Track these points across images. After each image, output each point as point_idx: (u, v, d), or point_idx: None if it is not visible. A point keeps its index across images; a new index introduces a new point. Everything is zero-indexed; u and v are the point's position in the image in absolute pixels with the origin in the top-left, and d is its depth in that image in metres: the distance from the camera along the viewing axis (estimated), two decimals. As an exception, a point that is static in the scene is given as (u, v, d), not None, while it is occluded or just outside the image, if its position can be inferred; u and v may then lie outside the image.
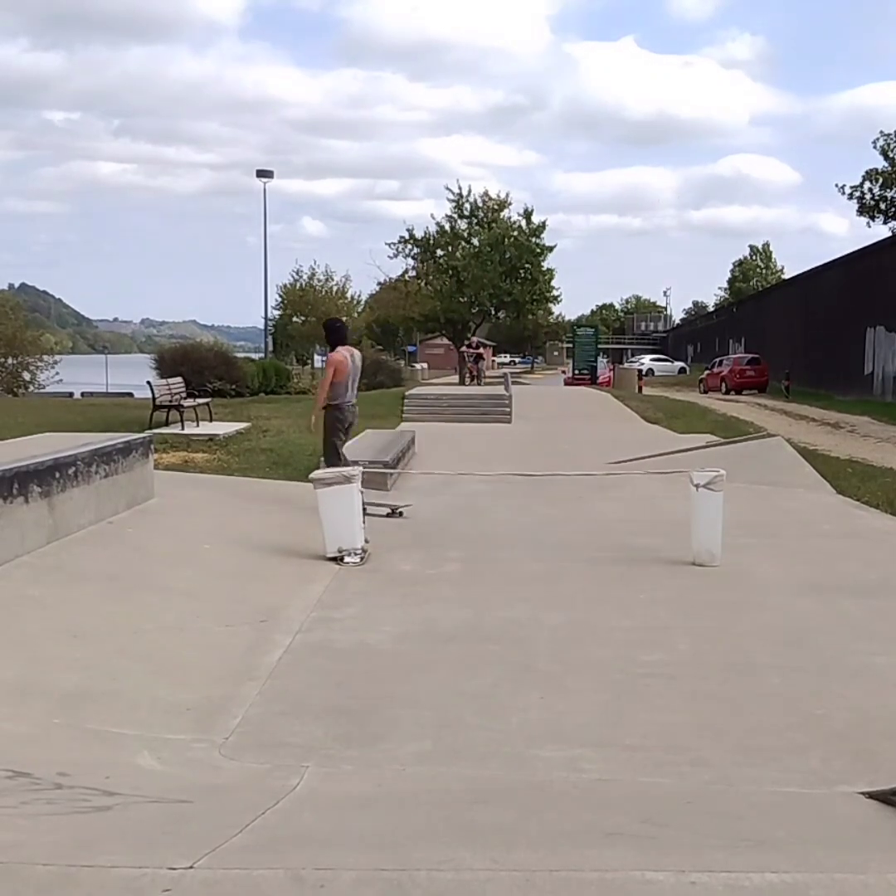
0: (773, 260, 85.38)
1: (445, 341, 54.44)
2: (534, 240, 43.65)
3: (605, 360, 58.23)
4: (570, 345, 56.63)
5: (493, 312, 46.00)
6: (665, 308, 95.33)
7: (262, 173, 44.70)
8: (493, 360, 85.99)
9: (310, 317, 42.70)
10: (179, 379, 18.56)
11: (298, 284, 43.96)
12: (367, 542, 7.83)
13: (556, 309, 57.81)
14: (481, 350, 38.71)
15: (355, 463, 8.92)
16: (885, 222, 44.24)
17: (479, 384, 33.13)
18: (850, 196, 44.71)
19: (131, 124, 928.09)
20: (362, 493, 8.13)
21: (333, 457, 9.18)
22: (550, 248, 44.20)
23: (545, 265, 44.03)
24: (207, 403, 17.84)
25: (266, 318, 45.04)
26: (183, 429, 15.69)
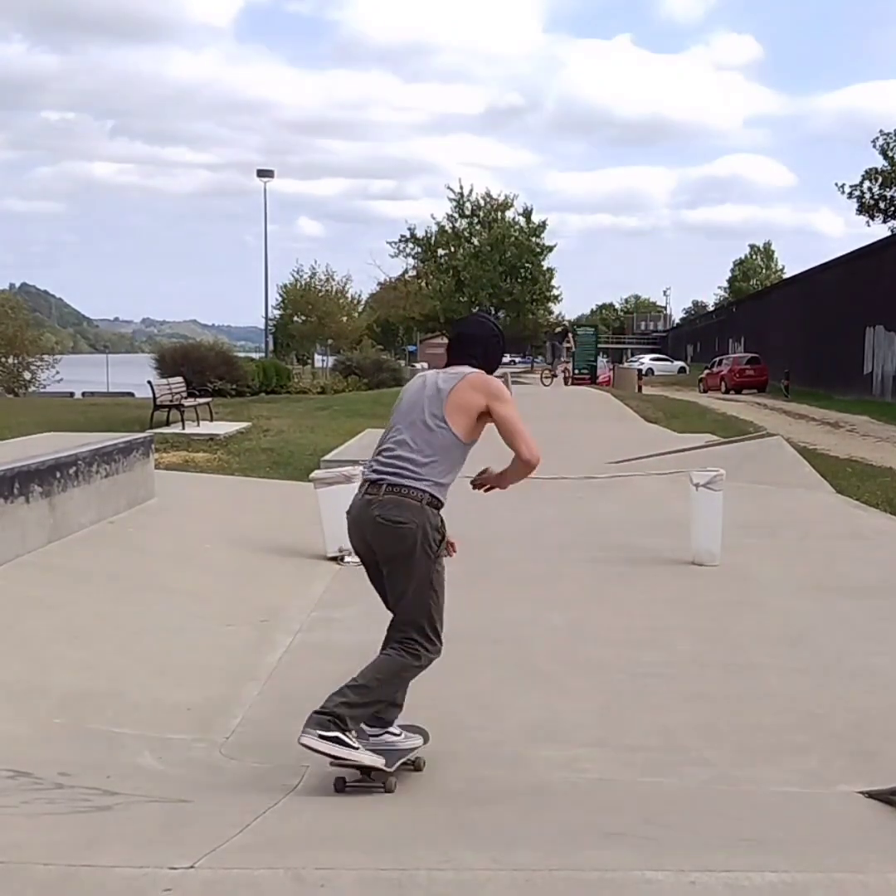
0: (774, 259, 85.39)
1: (445, 341, 54.47)
2: (534, 239, 43.69)
3: (605, 360, 58.18)
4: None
5: (493, 312, 46.03)
6: (665, 308, 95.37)
7: (263, 173, 44.69)
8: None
9: (310, 316, 42.80)
10: (180, 378, 18.60)
11: (299, 284, 44.04)
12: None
13: (555, 308, 57.86)
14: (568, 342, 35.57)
15: (355, 463, 8.92)
16: (884, 221, 44.27)
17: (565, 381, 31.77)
18: (850, 195, 44.78)
19: (128, 125, 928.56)
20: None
21: None
22: (550, 248, 44.30)
23: (545, 265, 44.08)
24: (208, 403, 17.87)
25: (267, 317, 45.06)
26: (183, 428, 15.71)
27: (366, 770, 3.62)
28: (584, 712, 4.69)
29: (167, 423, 16.15)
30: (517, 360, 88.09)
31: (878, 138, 43.71)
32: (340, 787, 3.63)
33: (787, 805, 3.71)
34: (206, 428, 16.20)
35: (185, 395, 17.40)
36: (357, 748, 3.58)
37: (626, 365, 55.48)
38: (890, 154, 43.46)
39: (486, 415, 3.83)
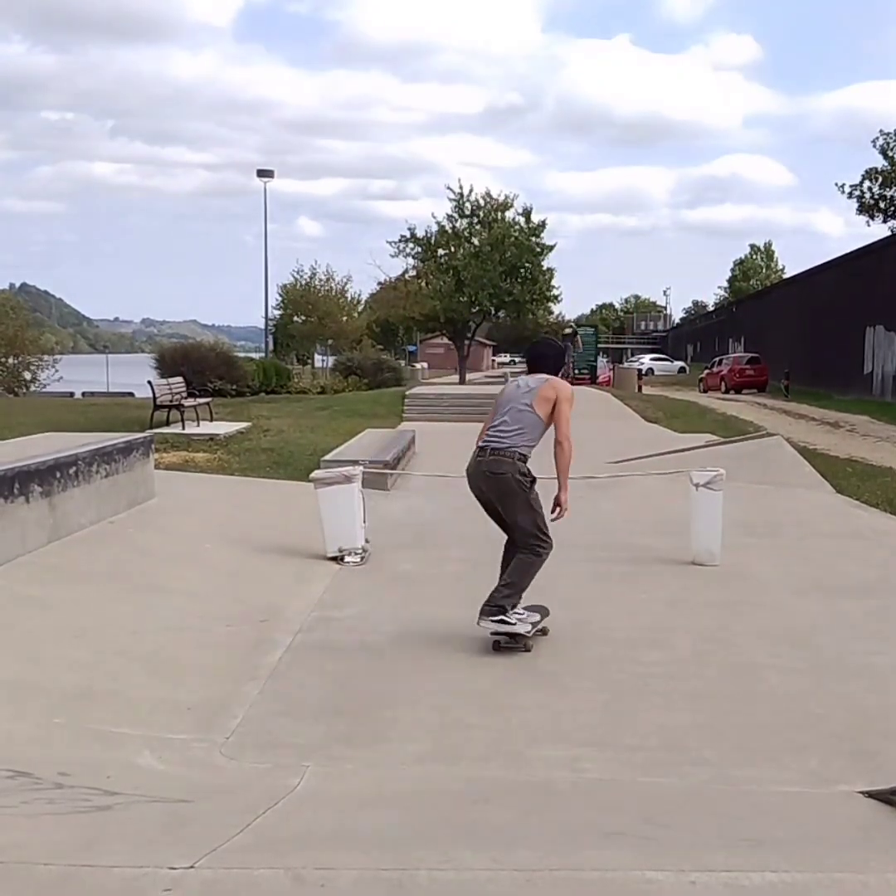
0: (775, 259, 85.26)
1: (445, 341, 54.41)
2: (534, 239, 43.61)
3: (605, 360, 58.18)
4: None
5: (493, 312, 45.96)
6: (665, 308, 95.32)
7: (263, 173, 44.60)
8: (493, 360, 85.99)
9: (311, 316, 42.78)
10: (180, 378, 18.57)
11: (299, 284, 44.01)
12: (367, 541, 7.83)
13: (555, 308, 57.81)
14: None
15: (355, 462, 8.92)
16: (884, 221, 44.25)
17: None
18: (850, 195, 44.75)
19: (127, 125, 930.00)
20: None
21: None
22: (550, 248, 44.16)
23: (545, 264, 44.01)
24: (208, 403, 17.85)
25: (266, 317, 44.99)
26: (183, 428, 15.69)
27: (513, 635, 5.47)
28: (585, 712, 4.69)
29: (167, 423, 16.13)
30: (517, 359, 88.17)
31: (877, 138, 43.71)
32: (496, 647, 5.47)
33: (787, 805, 3.71)
34: (206, 428, 16.19)
35: (185, 395, 17.38)
36: (515, 624, 5.47)
37: (626, 365, 55.48)
38: (890, 154, 43.42)
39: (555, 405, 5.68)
